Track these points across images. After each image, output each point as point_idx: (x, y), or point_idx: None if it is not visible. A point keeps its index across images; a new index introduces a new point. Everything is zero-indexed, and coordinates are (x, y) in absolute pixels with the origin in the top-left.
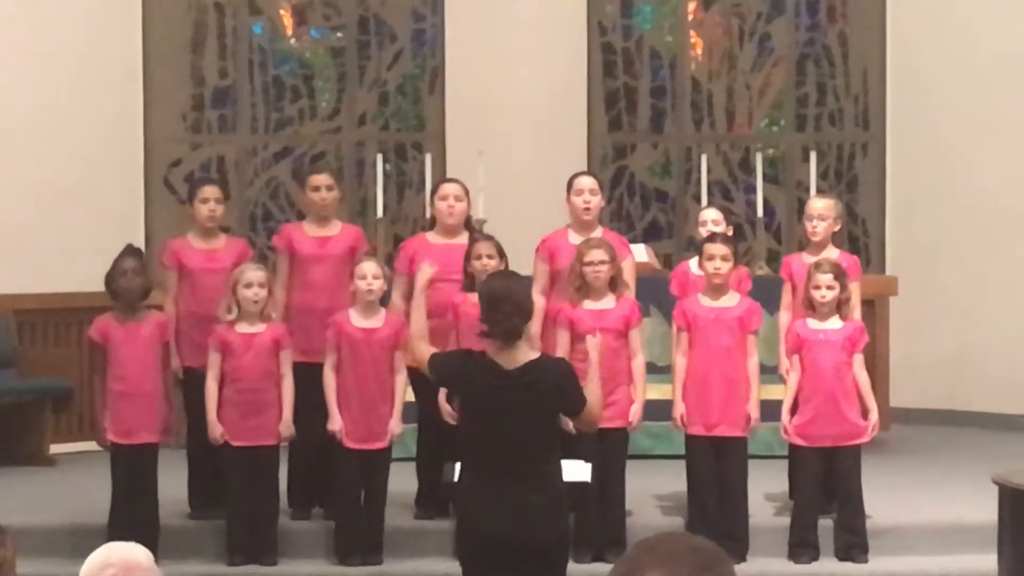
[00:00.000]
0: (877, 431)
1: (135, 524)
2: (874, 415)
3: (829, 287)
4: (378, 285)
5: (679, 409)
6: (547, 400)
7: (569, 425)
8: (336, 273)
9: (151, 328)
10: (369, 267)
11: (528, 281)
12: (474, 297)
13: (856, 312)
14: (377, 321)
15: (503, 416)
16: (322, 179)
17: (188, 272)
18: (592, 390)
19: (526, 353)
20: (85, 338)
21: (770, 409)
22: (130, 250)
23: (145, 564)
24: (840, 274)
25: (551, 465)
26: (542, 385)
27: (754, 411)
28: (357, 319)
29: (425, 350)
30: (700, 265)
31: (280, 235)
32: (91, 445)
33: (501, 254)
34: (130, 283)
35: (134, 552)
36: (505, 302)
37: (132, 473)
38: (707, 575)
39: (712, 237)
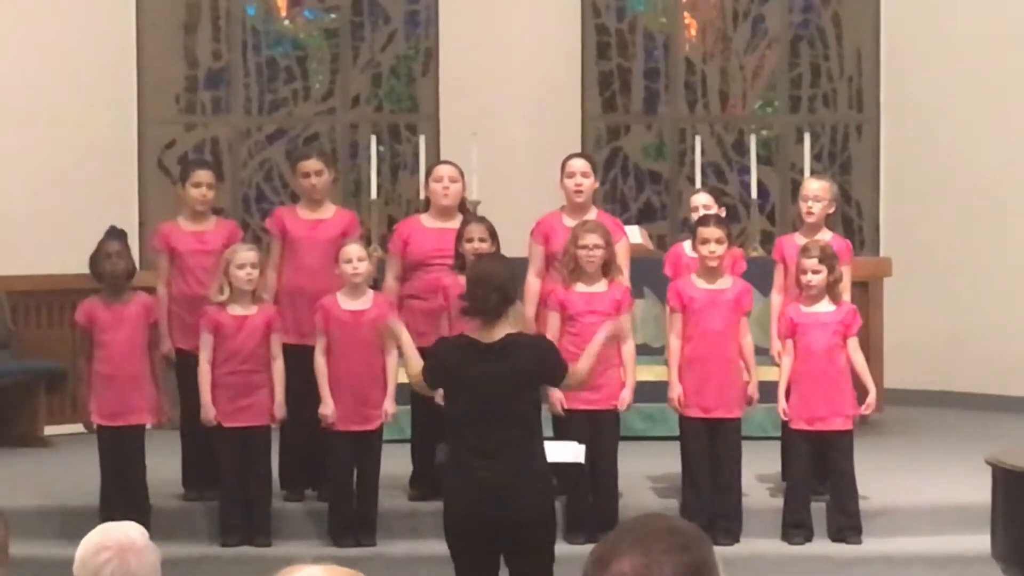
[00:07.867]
0: (871, 411)
1: (126, 505)
2: (872, 395)
3: (815, 271)
4: (364, 267)
5: (676, 390)
6: (527, 368)
7: (558, 408)
8: (328, 256)
9: (137, 310)
10: (354, 250)
11: (520, 264)
12: (464, 279)
13: (845, 295)
14: (365, 303)
15: (483, 389)
16: (311, 164)
17: (178, 254)
18: (586, 357)
19: (504, 329)
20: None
21: (763, 391)
22: (113, 232)
23: (140, 543)
24: (827, 256)
25: (532, 442)
26: (521, 355)
27: (754, 390)
28: (345, 302)
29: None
30: (695, 248)
31: (273, 218)
32: None
33: (493, 236)
34: (114, 266)
35: (128, 532)
36: (484, 284)
37: (119, 455)
38: (684, 556)
39: (706, 219)
